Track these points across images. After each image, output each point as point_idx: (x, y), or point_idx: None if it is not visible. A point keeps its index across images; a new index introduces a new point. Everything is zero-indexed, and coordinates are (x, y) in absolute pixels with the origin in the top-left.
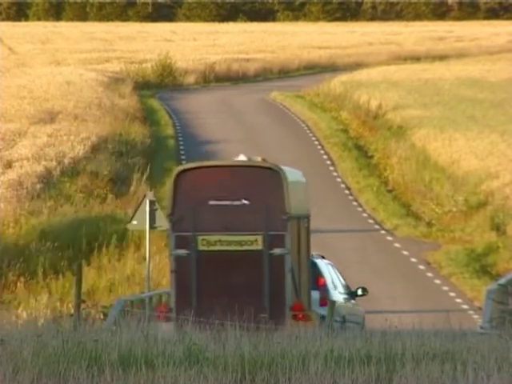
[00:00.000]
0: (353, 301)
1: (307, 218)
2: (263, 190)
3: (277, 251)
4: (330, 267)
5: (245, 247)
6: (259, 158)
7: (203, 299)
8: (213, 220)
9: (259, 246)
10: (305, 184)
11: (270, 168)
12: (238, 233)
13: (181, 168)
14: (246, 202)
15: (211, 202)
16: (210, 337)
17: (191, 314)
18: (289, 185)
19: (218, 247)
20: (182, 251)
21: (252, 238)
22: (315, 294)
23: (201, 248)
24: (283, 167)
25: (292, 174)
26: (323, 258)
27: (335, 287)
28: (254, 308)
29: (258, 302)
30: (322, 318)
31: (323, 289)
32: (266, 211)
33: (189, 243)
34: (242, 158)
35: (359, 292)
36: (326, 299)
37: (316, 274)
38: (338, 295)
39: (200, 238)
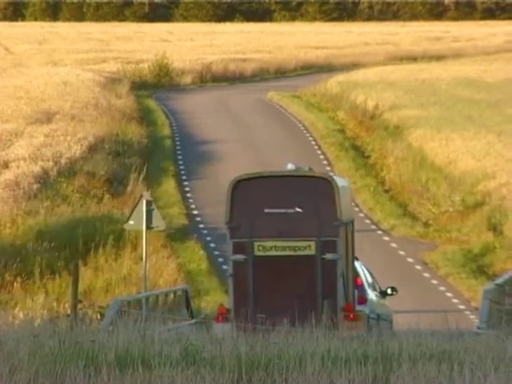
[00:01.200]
0: (383, 299)
1: (352, 222)
2: (316, 198)
3: (329, 256)
4: (363, 267)
5: (298, 252)
6: (307, 167)
7: (259, 301)
8: (268, 227)
9: (312, 252)
10: (350, 191)
11: (322, 178)
12: (291, 239)
13: (237, 178)
14: (299, 209)
15: (266, 210)
16: (206, 337)
17: (248, 315)
18: (340, 193)
19: (273, 252)
20: (240, 256)
21: (305, 243)
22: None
23: (257, 253)
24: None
25: (340, 182)
26: (357, 259)
27: (369, 286)
28: (307, 309)
29: (311, 304)
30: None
31: (361, 289)
32: (319, 218)
33: (246, 249)
34: (290, 167)
35: (389, 291)
36: (363, 298)
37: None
38: (372, 294)
39: (256, 243)
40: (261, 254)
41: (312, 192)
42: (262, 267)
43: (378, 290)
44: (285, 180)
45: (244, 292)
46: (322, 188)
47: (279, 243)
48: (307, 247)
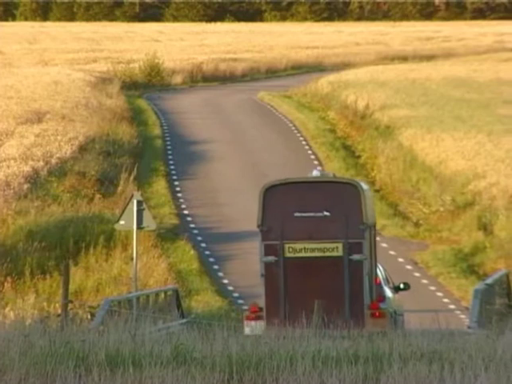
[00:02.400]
0: (396, 295)
1: (375, 225)
2: (343, 202)
3: (355, 257)
4: (378, 264)
5: (327, 254)
6: (331, 174)
7: (290, 300)
8: (298, 230)
9: (340, 253)
10: (372, 195)
11: (349, 183)
12: (320, 241)
13: (268, 184)
14: (327, 213)
15: (296, 214)
16: (197, 337)
17: (280, 313)
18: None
19: (302, 254)
20: (271, 258)
21: (333, 245)
22: None
23: (287, 255)
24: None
25: (364, 186)
26: None
27: (386, 283)
28: (335, 308)
29: (339, 303)
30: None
31: (379, 287)
32: (346, 221)
33: (277, 250)
34: (315, 173)
35: (401, 286)
36: (381, 296)
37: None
38: (388, 291)
39: (287, 245)
40: (291, 255)
41: (339, 196)
42: (292, 268)
43: (392, 285)
44: (313, 185)
45: (275, 291)
46: (348, 193)
47: (308, 245)
48: (335, 249)
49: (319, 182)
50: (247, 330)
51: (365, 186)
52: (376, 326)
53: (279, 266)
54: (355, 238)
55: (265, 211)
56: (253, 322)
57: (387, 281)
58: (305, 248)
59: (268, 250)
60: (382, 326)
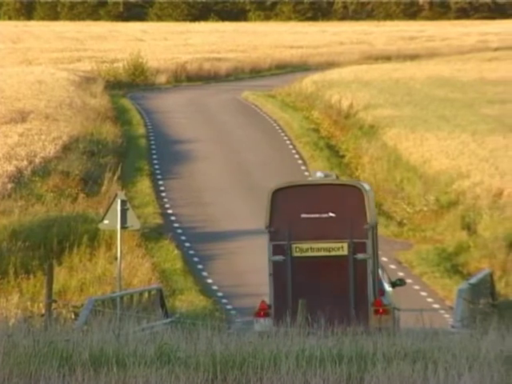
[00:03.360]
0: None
1: (376, 225)
2: (348, 204)
3: (360, 256)
4: None
5: (332, 253)
6: (334, 175)
7: (297, 297)
8: (304, 230)
9: (345, 252)
10: (373, 195)
11: (353, 185)
12: (326, 241)
13: (276, 187)
14: (332, 214)
15: (303, 215)
16: (181, 336)
17: (287, 310)
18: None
19: (309, 253)
20: (279, 257)
21: (338, 244)
22: None
23: (294, 254)
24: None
25: (367, 188)
26: None
27: (384, 279)
28: (340, 304)
29: (344, 300)
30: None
31: (379, 282)
32: (351, 222)
33: (284, 250)
34: (319, 174)
35: (398, 282)
36: (381, 290)
37: None
38: (387, 286)
39: (294, 245)
40: (298, 254)
41: (344, 198)
42: (299, 267)
43: (388, 280)
44: (319, 188)
45: (283, 289)
46: (353, 195)
47: (315, 245)
48: (340, 248)
49: (325, 184)
50: (257, 327)
51: (367, 188)
52: (380, 322)
53: (287, 265)
54: (359, 238)
55: (272, 213)
56: (262, 319)
57: (384, 276)
58: (311, 248)
59: (276, 250)
60: (385, 322)
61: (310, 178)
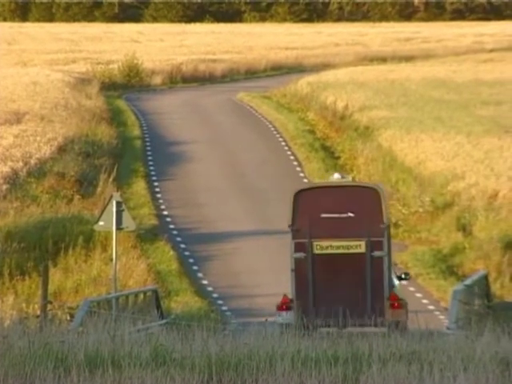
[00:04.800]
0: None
1: (390, 225)
2: (365, 204)
3: (377, 253)
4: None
5: (351, 250)
6: (350, 177)
7: (317, 292)
8: (325, 229)
9: (362, 250)
10: (388, 196)
11: (371, 187)
12: (345, 239)
13: (299, 188)
14: (351, 214)
15: (323, 215)
16: (177, 337)
17: (309, 304)
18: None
19: (329, 251)
20: (301, 254)
21: (356, 243)
22: None
23: (315, 252)
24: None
25: (383, 189)
26: None
27: (392, 273)
28: (358, 299)
29: (361, 294)
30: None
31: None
32: (368, 222)
33: (306, 248)
34: (336, 176)
35: (403, 276)
36: (391, 284)
37: None
38: (396, 280)
39: (315, 243)
40: (318, 252)
41: (362, 199)
42: (320, 263)
43: (395, 275)
44: (338, 189)
45: (304, 285)
46: (370, 196)
47: (334, 243)
48: (358, 246)
49: (344, 186)
50: (279, 319)
51: (383, 189)
52: (395, 316)
53: (308, 262)
54: (376, 237)
55: (295, 213)
56: (284, 313)
57: (392, 271)
58: (331, 245)
59: (298, 248)
60: (400, 316)
61: (330, 179)
